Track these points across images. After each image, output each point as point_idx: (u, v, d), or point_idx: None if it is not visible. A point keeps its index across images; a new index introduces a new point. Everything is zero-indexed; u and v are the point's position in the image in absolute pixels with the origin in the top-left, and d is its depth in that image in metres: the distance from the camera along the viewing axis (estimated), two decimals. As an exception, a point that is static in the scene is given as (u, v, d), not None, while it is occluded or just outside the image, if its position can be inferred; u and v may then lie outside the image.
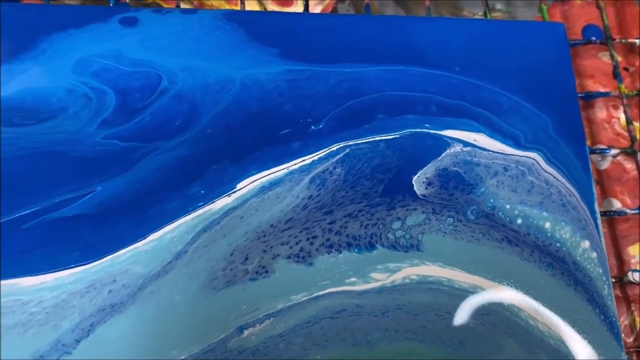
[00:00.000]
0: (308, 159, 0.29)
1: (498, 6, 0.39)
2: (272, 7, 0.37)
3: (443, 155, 0.30)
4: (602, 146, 0.36)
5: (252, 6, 0.36)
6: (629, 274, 0.33)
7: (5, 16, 0.30)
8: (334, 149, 0.29)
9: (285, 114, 0.29)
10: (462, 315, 0.27)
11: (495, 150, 0.30)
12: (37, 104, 0.28)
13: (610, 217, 0.35)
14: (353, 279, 0.27)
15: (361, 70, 0.31)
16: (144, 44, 0.30)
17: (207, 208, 0.28)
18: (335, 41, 0.31)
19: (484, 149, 0.30)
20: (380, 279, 0.27)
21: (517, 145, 0.30)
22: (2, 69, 0.29)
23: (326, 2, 0.38)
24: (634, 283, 0.33)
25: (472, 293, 0.28)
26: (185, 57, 0.30)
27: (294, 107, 0.30)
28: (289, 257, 0.27)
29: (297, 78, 0.30)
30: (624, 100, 0.35)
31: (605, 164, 0.37)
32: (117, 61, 0.29)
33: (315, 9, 0.37)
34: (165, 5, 0.37)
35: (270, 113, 0.29)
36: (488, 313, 0.27)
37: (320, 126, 0.29)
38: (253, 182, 0.28)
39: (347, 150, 0.29)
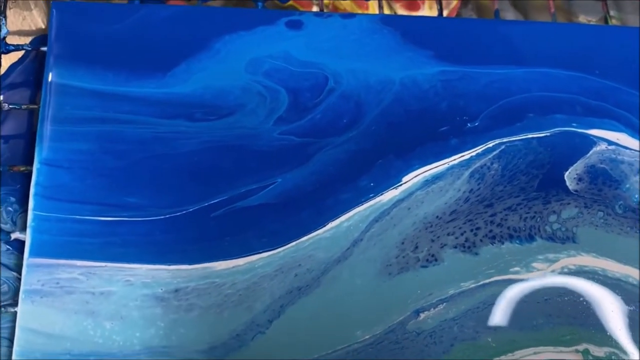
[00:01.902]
0: (467, 155, 0.31)
1: (611, 12, 0.40)
2: (401, 10, 0.39)
3: (590, 152, 0.31)
4: None
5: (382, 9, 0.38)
6: None
7: (178, 18, 0.32)
8: (490, 145, 0.31)
9: (442, 112, 0.31)
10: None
11: (637, 149, 0.32)
12: (216, 100, 0.30)
13: None
14: (516, 268, 0.29)
15: (509, 72, 0.32)
16: (310, 45, 0.32)
17: (377, 199, 0.30)
18: (482, 44, 0.33)
19: (626, 148, 0.32)
20: (541, 268, 0.29)
21: (656, 144, 0.32)
22: (180, 67, 0.31)
23: (451, 6, 0.40)
24: None
25: (624, 282, 0.30)
26: (348, 59, 0.32)
27: (450, 106, 0.31)
28: (455, 247, 0.29)
29: (451, 78, 0.32)
30: None
31: None
32: (286, 62, 0.31)
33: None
34: (300, 9, 0.38)
35: (428, 111, 0.31)
36: (642, 301, 0.29)
37: (476, 124, 0.31)
38: (417, 175, 0.30)
39: (503, 147, 0.31)
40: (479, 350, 0.28)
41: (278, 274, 0.28)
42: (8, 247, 0.33)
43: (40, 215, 0.28)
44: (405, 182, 0.30)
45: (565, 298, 0.29)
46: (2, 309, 0.31)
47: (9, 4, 0.35)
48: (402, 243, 0.29)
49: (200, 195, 0.29)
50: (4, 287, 0.32)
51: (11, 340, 0.31)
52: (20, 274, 0.32)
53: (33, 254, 0.27)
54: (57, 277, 0.27)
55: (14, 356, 0.26)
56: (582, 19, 0.41)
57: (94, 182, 0.28)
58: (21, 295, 0.27)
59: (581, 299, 0.29)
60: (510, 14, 0.41)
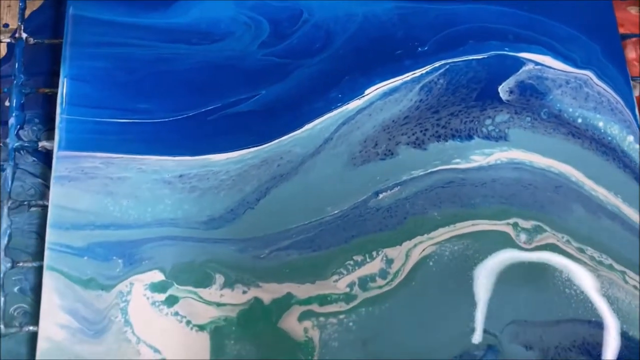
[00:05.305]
0: (418, 73, 0.37)
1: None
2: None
3: (520, 71, 0.38)
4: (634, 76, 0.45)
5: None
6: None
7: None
8: (437, 65, 0.38)
9: (398, 39, 0.38)
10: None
11: (559, 68, 0.39)
12: (210, 28, 0.37)
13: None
14: (457, 160, 0.36)
15: (454, 7, 0.39)
16: (287, -15, 0.38)
17: (344, 108, 0.36)
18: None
19: (550, 68, 0.39)
20: (478, 160, 0.36)
21: (575, 65, 0.39)
22: (180, 2, 0.37)
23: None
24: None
25: (547, 171, 0.36)
26: (319, -5, 0.38)
27: (404, 34, 0.38)
28: (407, 144, 0.36)
29: (406, 13, 0.38)
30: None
31: (636, 92, 0.45)
32: (267, -2, 0.38)
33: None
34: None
35: (387, 38, 0.38)
36: (560, 185, 0.36)
37: (426, 48, 0.38)
38: (377, 89, 0.37)
39: (447, 67, 0.38)
40: (427, 223, 0.34)
41: (263, 164, 0.34)
42: (34, 158, 0.39)
43: (67, 118, 0.34)
44: (367, 94, 0.36)
45: (499, 183, 0.36)
46: (32, 208, 0.37)
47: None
48: (365, 141, 0.36)
49: (198, 103, 0.35)
50: (31, 191, 0.38)
51: (39, 234, 0.37)
52: (44, 181, 0.38)
53: (62, 148, 0.33)
54: (82, 166, 0.33)
55: (48, 226, 0.32)
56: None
57: (110, 92, 0.34)
58: (52, 179, 0.33)
59: (512, 184, 0.36)
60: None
